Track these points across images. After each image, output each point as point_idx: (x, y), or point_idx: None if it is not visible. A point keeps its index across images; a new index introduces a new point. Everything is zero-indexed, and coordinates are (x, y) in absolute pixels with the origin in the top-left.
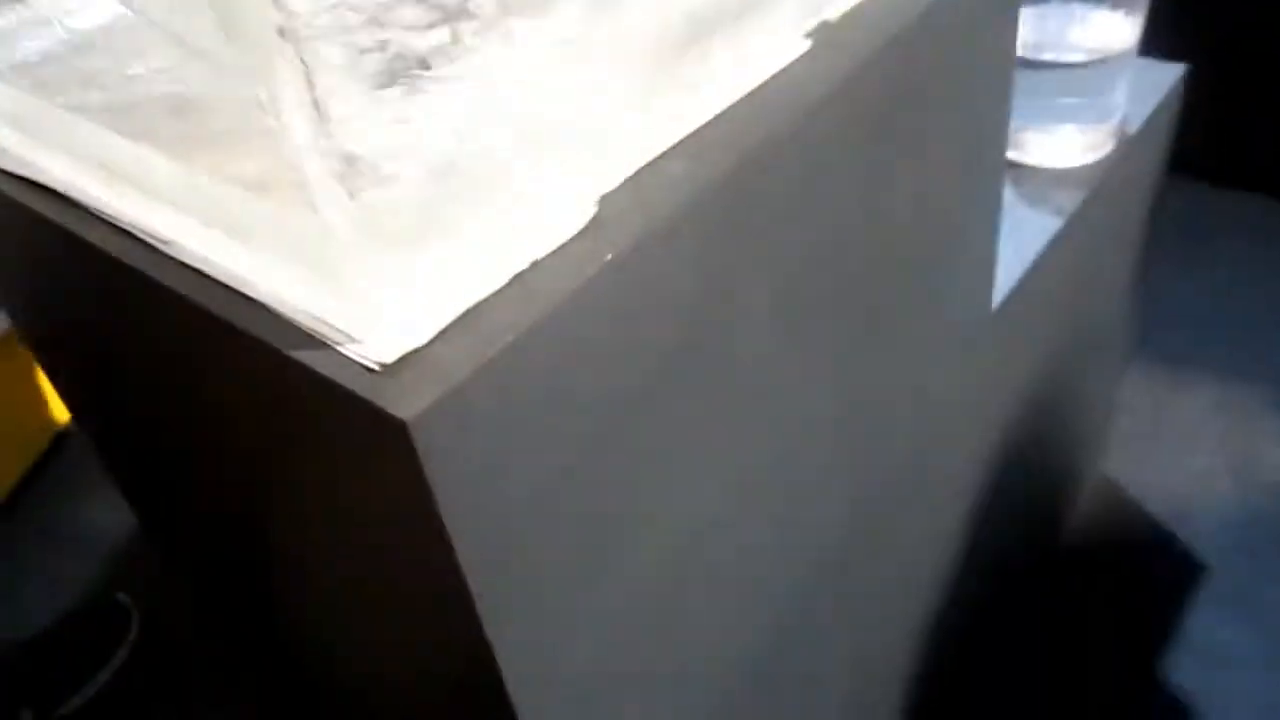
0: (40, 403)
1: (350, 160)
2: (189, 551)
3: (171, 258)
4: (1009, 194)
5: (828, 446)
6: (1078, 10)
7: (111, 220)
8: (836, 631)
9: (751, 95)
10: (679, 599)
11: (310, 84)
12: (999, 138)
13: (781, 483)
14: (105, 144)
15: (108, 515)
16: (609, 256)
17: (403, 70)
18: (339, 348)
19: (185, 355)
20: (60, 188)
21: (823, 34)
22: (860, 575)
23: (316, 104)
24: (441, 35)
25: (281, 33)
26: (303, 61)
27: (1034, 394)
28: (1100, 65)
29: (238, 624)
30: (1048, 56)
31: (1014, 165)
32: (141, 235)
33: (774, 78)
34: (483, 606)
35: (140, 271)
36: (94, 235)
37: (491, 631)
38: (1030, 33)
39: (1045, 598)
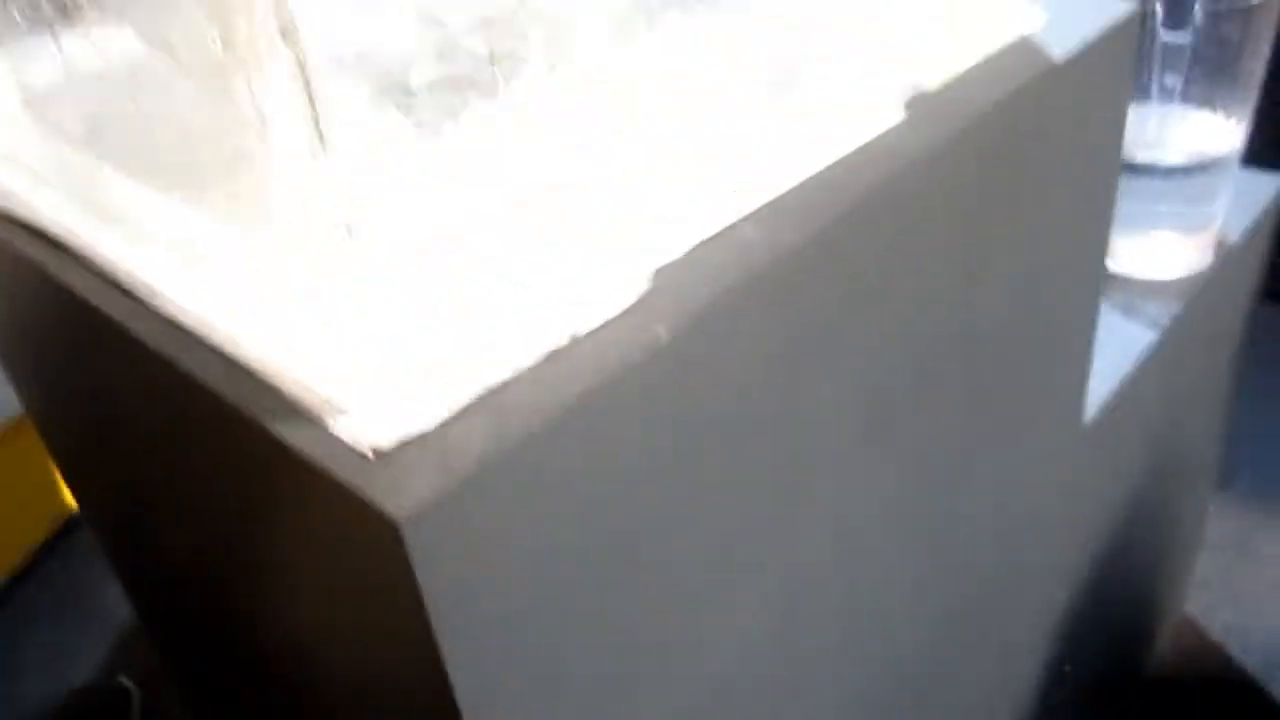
0: (54, 481)
1: (358, 201)
2: (179, 640)
3: (152, 308)
4: (1102, 303)
5: (900, 564)
6: (1178, 110)
7: (94, 265)
8: None
9: (839, 162)
10: None
11: (316, 112)
12: (1101, 234)
13: (844, 605)
14: (93, 177)
15: (116, 597)
16: (661, 339)
17: (431, 104)
18: (326, 425)
19: (170, 419)
20: (44, 225)
21: (919, 104)
22: (931, 708)
23: (322, 133)
24: (481, 67)
25: (297, 64)
26: (309, 88)
27: (1121, 517)
28: (1201, 171)
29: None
30: (1145, 158)
31: (1106, 274)
32: (122, 281)
33: (865, 145)
34: None
35: (120, 324)
36: (75, 280)
37: None
38: (1127, 132)
39: None
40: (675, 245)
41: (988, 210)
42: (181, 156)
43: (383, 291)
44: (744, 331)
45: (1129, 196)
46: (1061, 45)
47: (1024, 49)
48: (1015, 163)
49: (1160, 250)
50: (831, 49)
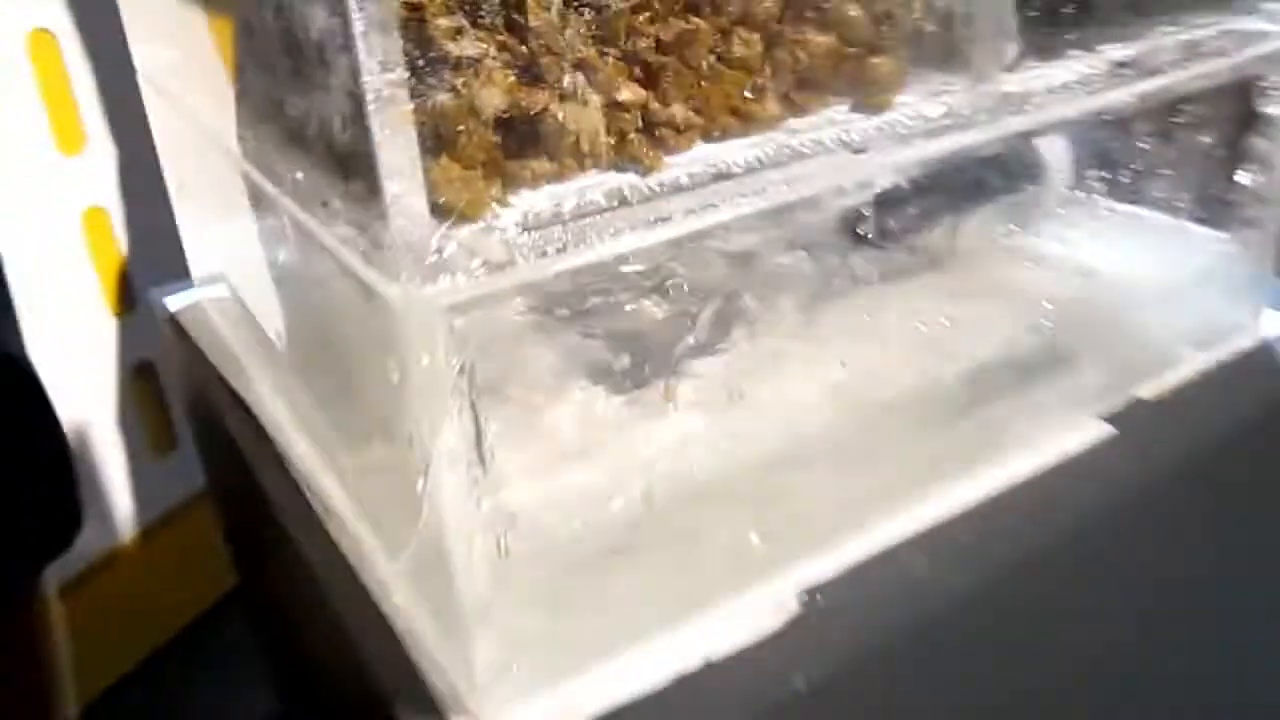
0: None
1: (504, 514)
2: None
3: (324, 528)
4: None
5: None
6: None
7: (287, 462)
8: None
9: (1030, 483)
10: None
11: (477, 429)
12: None
13: None
14: (293, 381)
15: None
16: (799, 686)
17: (583, 418)
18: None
19: (314, 625)
20: (263, 417)
21: (1132, 415)
22: None
23: (481, 451)
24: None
25: (461, 371)
26: (473, 406)
27: None
28: None
29: None
30: None
31: None
32: (304, 490)
33: (1064, 464)
34: None
35: (295, 537)
36: (268, 479)
37: None
38: None
39: None
40: (829, 567)
41: (1200, 542)
42: (357, 402)
43: (522, 595)
44: (897, 681)
45: None
46: None
47: (1260, 357)
48: (1239, 486)
49: None
50: (1041, 344)
